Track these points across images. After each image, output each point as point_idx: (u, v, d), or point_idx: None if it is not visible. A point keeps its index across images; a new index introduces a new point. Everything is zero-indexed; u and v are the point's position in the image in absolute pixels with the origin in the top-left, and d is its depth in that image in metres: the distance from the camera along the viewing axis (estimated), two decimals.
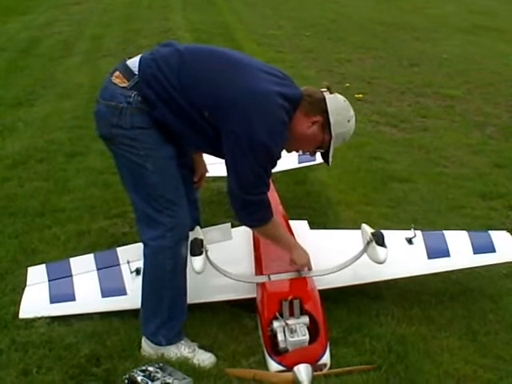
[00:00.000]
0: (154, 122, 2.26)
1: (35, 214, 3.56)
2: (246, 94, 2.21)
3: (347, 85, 6.91)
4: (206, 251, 2.41)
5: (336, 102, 2.36)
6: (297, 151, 2.51)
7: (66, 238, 3.27)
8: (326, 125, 2.33)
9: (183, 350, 2.40)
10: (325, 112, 2.32)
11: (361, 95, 6.49)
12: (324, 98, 2.34)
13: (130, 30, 9.92)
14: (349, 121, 2.38)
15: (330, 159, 2.42)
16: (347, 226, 3.31)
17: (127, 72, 2.27)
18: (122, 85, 2.25)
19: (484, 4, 14.38)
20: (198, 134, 2.29)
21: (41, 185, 3.99)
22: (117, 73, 2.29)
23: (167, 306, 2.37)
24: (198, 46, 2.48)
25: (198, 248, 2.38)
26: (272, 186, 3.28)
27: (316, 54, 8.65)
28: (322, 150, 2.42)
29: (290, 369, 2.19)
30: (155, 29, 9.97)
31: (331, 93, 2.37)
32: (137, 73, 2.24)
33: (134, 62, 2.29)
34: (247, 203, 2.31)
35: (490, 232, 2.94)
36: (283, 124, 2.25)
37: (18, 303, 2.67)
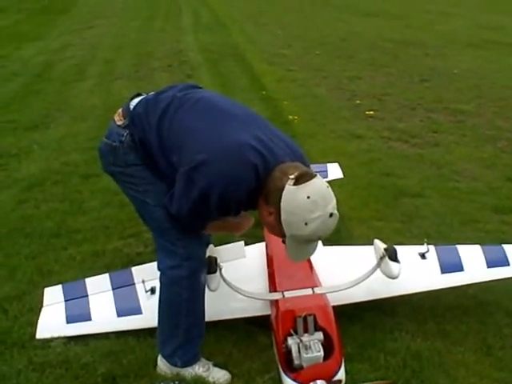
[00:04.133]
0: (142, 160, 2.23)
1: (51, 235, 3.61)
2: (212, 142, 2.03)
3: (358, 102, 6.96)
4: (220, 269, 2.44)
5: (292, 200, 1.91)
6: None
7: (81, 259, 3.31)
8: (280, 220, 1.98)
9: (198, 369, 2.40)
10: (278, 205, 1.94)
11: (372, 112, 6.54)
12: (282, 190, 1.93)
13: (142, 52, 10.08)
14: (307, 224, 1.91)
15: (290, 256, 2.09)
16: (360, 242, 3.31)
17: (126, 110, 2.28)
18: (118, 123, 2.26)
19: (492, 19, 14.45)
20: (167, 179, 2.19)
21: (56, 206, 4.05)
22: (119, 110, 2.31)
23: (183, 332, 2.36)
24: (198, 95, 2.25)
25: (212, 266, 2.40)
26: None
27: (326, 72, 8.72)
28: None
29: None
30: (167, 51, 10.12)
31: (297, 183, 1.91)
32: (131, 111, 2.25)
33: (135, 101, 2.29)
34: (181, 223, 2.20)
35: (503, 246, 2.93)
36: (244, 180, 1.98)
37: (34, 323, 2.70)
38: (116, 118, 2.29)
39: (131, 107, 2.27)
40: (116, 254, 3.35)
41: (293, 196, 1.92)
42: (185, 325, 2.36)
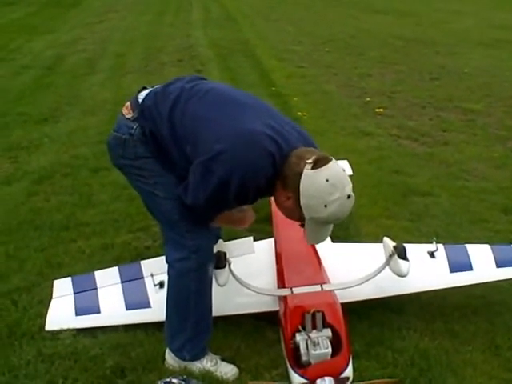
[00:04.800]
0: (153, 153, 2.25)
1: (60, 228, 3.63)
2: (228, 132, 2.05)
3: (368, 99, 6.94)
4: (229, 264, 2.44)
5: (312, 183, 1.96)
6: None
7: (90, 252, 3.33)
8: (299, 204, 2.02)
9: (205, 363, 2.42)
10: (297, 190, 1.99)
11: (381, 109, 6.52)
12: (301, 174, 1.98)
13: (153, 47, 10.09)
14: (326, 206, 1.96)
15: (309, 239, 2.16)
16: (368, 240, 3.31)
17: (135, 103, 2.29)
18: (127, 116, 2.28)
19: (504, 18, 14.35)
20: (179, 171, 2.21)
21: (66, 199, 4.07)
22: (127, 103, 2.32)
23: (192, 325, 2.38)
24: (207, 86, 2.28)
25: (221, 261, 2.41)
26: None
27: (336, 69, 8.70)
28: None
29: (312, 382, 2.19)
30: (177, 46, 10.13)
31: (315, 167, 1.96)
32: (139, 103, 2.26)
33: (143, 93, 2.31)
34: (193, 214, 2.22)
35: None
36: (263, 168, 2.02)
37: (44, 315, 2.72)
38: (124, 111, 2.30)
39: (140, 100, 2.28)
40: (125, 248, 3.36)
41: (312, 180, 1.96)
42: (193, 318, 2.37)
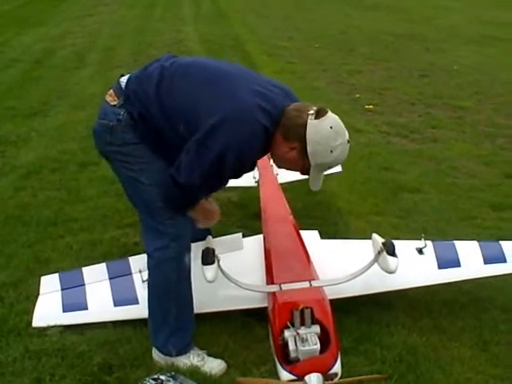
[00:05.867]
0: (142, 138, 2.26)
1: (48, 224, 3.61)
2: (219, 105, 2.11)
3: (357, 96, 6.95)
4: (218, 260, 2.43)
5: (317, 131, 2.09)
6: (285, 169, 2.39)
7: (78, 248, 3.31)
8: (305, 152, 2.13)
9: (192, 358, 2.41)
10: (303, 139, 2.10)
11: (371, 106, 6.53)
12: (305, 125, 2.10)
13: (142, 41, 10.03)
14: (332, 151, 2.10)
15: (313, 185, 2.24)
16: (357, 236, 3.32)
17: (119, 89, 2.29)
18: (112, 103, 2.28)
19: (494, 15, 14.40)
20: (172, 152, 2.21)
21: (54, 194, 4.04)
22: (110, 91, 2.32)
23: (175, 316, 2.38)
24: (187, 60, 2.39)
25: (210, 257, 2.40)
26: (283, 195, 3.33)
27: (326, 65, 8.70)
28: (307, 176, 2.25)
29: (301, 378, 2.19)
30: (167, 40, 10.08)
31: (318, 117, 2.10)
32: (123, 89, 2.27)
33: (124, 79, 2.32)
34: (184, 195, 2.23)
35: (500, 242, 2.93)
36: (257, 140, 2.12)
37: (31, 312, 2.70)
38: (109, 98, 2.30)
39: (122, 86, 2.29)
40: (113, 244, 3.35)
41: (317, 128, 2.10)
42: (175, 309, 2.38)
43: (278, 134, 2.16)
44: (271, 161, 3.82)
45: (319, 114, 2.11)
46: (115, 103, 2.27)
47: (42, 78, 7.79)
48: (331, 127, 2.10)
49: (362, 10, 15.11)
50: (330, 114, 2.14)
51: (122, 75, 2.37)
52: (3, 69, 8.25)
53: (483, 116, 6.40)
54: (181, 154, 2.15)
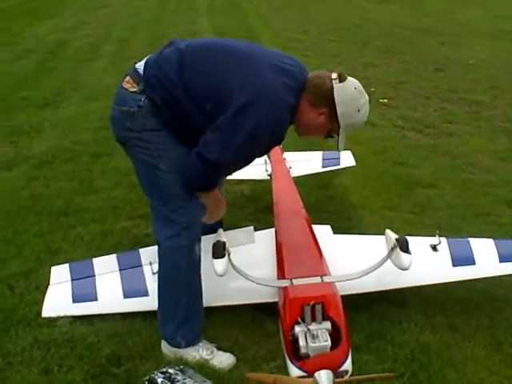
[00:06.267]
0: (166, 124, 2.27)
1: (60, 214, 3.60)
2: (248, 84, 2.16)
3: (372, 89, 6.85)
4: (229, 254, 2.40)
5: (344, 93, 2.23)
6: (308, 137, 2.51)
7: (89, 238, 3.30)
8: (333, 115, 2.25)
9: (202, 352, 2.40)
10: (332, 103, 2.23)
11: (386, 100, 6.46)
12: (331, 89, 2.23)
13: (157, 33, 10.01)
14: (359, 110, 2.26)
15: (341, 147, 2.36)
16: (370, 231, 3.28)
17: (137, 76, 2.28)
18: (132, 89, 2.27)
19: (509, 9, 14.19)
20: (197, 133, 2.23)
21: (66, 185, 4.04)
22: (127, 78, 2.31)
23: (185, 305, 2.38)
24: (201, 41, 2.44)
25: (220, 250, 2.36)
26: (295, 189, 3.29)
27: (341, 58, 8.62)
28: (333, 136, 2.38)
29: (311, 375, 2.14)
30: (181, 32, 10.04)
31: (341, 81, 2.24)
32: (142, 76, 2.26)
33: (140, 65, 2.31)
34: (209, 173, 2.25)
35: None
36: (284, 116, 2.22)
37: (41, 302, 2.70)
38: (127, 85, 2.29)
39: (140, 71, 2.28)
40: (124, 235, 3.34)
41: (343, 90, 2.22)
42: (185, 298, 2.38)
43: (304, 102, 2.26)
44: (284, 154, 3.81)
45: (341, 78, 2.24)
46: (135, 89, 2.26)
47: (55, 68, 7.80)
48: (355, 88, 2.25)
49: (376, 2, 14.96)
50: (349, 77, 2.27)
51: (137, 62, 2.35)
52: (17, 60, 8.26)
53: (499, 111, 6.30)
54: (207, 133, 2.18)
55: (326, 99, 2.23)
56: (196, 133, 2.23)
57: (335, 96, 2.22)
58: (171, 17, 11.83)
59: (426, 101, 6.60)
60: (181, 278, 2.38)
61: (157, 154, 2.28)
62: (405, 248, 2.44)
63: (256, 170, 3.69)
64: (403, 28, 11.19)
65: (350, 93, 2.24)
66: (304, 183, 3.92)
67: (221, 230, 2.55)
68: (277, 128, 2.22)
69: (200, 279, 2.44)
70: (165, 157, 2.29)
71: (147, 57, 2.36)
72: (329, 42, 9.77)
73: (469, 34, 10.89)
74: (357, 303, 2.64)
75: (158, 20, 11.41)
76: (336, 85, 2.23)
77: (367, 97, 2.30)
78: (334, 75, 2.24)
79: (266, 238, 2.88)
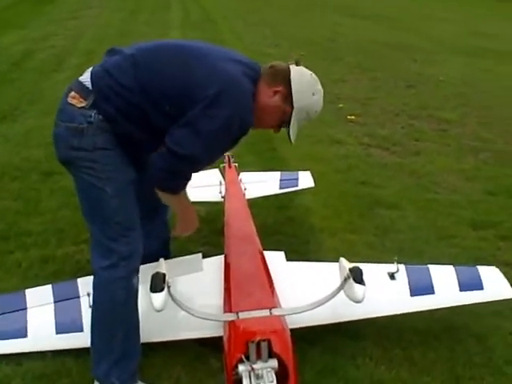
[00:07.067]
0: (118, 141, 2.14)
1: None
2: (211, 78, 2.11)
3: (340, 105, 6.78)
4: (169, 287, 2.22)
5: (301, 75, 2.26)
6: (262, 127, 2.38)
7: (28, 265, 3.08)
8: (288, 96, 2.23)
9: None
10: (288, 82, 2.23)
11: (353, 117, 6.35)
12: (288, 69, 2.25)
13: (125, 45, 9.77)
14: (314, 94, 2.26)
15: (292, 135, 2.29)
16: (329, 256, 3.14)
17: (82, 90, 2.13)
18: (79, 105, 2.11)
19: (484, 26, 14.35)
20: (158, 138, 2.15)
21: (10, 205, 3.81)
22: (72, 93, 2.14)
23: (120, 341, 2.19)
24: (151, 43, 2.32)
25: (159, 283, 2.17)
26: (248, 212, 3.13)
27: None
28: (286, 127, 2.30)
29: None
30: None
31: (297, 65, 2.29)
32: (91, 88, 2.11)
33: (86, 78, 2.16)
34: (183, 170, 2.19)
35: (478, 267, 2.75)
36: (251, 98, 2.19)
37: None
38: (73, 101, 2.12)
39: (87, 85, 2.12)
40: (66, 261, 3.13)
41: (300, 72, 2.27)
42: (120, 334, 2.20)
43: (261, 85, 2.24)
44: (240, 174, 3.65)
45: (297, 64, 2.29)
46: (83, 105, 2.10)
47: (17, 80, 7.56)
48: (311, 74, 2.30)
49: (350, 18, 15.02)
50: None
51: (82, 74, 2.21)
52: None
53: (468, 129, 6.26)
54: (173, 131, 2.11)
55: (283, 78, 2.24)
56: (158, 134, 2.14)
57: (291, 74, 2.23)
58: (142, 29, 11.65)
59: (394, 117, 6.52)
60: (117, 311, 2.20)
61: (105, 176, 2.13)
62: (358, 279, 2.28)
63: (210, 191, 3.53)
64: (375, 44, 11.19)
65: (306, 75, 2.28)
66: (262, 204, 3.78)
67: (162, 260, 2.37)
68: (246, 116, 2.16)
69: (137, 312, 2.26)
70: (113, 180, 2.14)
71: (89, 69, 2.21)
72: (299, 57, 9.67)
73: (442, 51, 10.93)
74: (308, 336, 2.49)
75: (127, 32, 11.22)
76: (293, 66, 2.28)
77: (322, 90, 2.31)
78: (292, 62, 2.31)
79: (214, 266, 2.70)
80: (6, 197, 3.94)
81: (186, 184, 2.27)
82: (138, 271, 2.25)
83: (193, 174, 2.26)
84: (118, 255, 2.16)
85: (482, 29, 13.83)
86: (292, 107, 2.24)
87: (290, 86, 2.22)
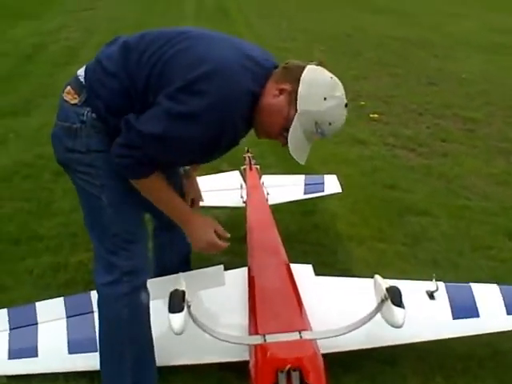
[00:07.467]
0: (110, 142, 1.90)
1: (10, 242, 3.21)
2: (192, 62, 1.81)
3: (362, 103, 6.54)
4: (189, 306, 2.01)
5: (316, 74, 1.87)
6: (265, 134, 1.98)
7: (39, 273, 2.90)
8: (294, 97, 1.85)
9: None
10: (297, 81, 1.85)
11: (376, 115, 6.12)
12: (303, 68, 1.88)
13: None
14: (325, 98, 1.83)
15: (290, 146, 1.88)
16: (359, 267, 2.95)
17: (77, 85, 1.92)
18: (72, 101, 1.91)
19: (504, 21, 13.99)
20: None
21: (22, 206, 3.63)
22: (68, 88, 1.95)
23: (131, 366, 2.01)
24: (154, 30, 2.03)
25: (178, 303, 1.94)
26: (272, 220, 2.91)
27: (330, 69, 8.23)
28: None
29: None
30: None
31: (319, 65, 1.93)
32: (84, 83, 1.91)
33: (82, 71, 1.95)
34: (137, 147, 1.85)
35: None
36: (245, 97, 1.84)
37: None
38: (67, 97, 1.93)
39: (81, 79, 1.92)
40: (79, 269, 2.94)
41: (317, 72, 1.89)
42: (130, 356, 2.01)
43: (270, 82, 1.89)
44: (262, 177, 3.45)
45: (321, 65, 1.93)
46: (75, 101, 1.91)
47: (30, 73, 7.40)
48: (331, 78, 1.89)
49: (369, 13, 14.69)
50: None
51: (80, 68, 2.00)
52: None
53: (495, 129, 5.99)
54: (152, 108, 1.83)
55: (293, 77, 1.86)
56: None
57: (304, 73, 1.85)
58: (157, 21, 11.43)
59: (418, 116, 6.27)
60: (123, 331, 2.00)
61: (100, 183, 1.93)
62: (397, 301, 2.05)
63: (231, 195, 3.33)
64: (395, 39, 10.90)
65: (323, 77, 1.87)
66: (286, 209, 3.57)
67: (181, 275, 2.16)
68: (228, 116, 1.80)
69: (149, 332, 2.07)
70: (108, 187, 1.94)
71: (88, 63, 2.00)
72: (318, 52, 9.44)
73: (462, 47, 10.63)
74: (343, 361, 2.28)
75: (142, 24, 10.96)
76: (312, 65, 1.90)
77: (345, 99, 1.89)
78: (315, 62, 1.94)
79: (237, 279, 2.50)
80: (18, 197, 3.76)
81: (148, 170, 1.89)
82: (145, 287, 2.06)
83: (163, 166, 1.93)
84: (120, 270, 1.97)
85: (496, 24, 13.48)
86: (296, 110, 1.86)
87: (299, 84, 1.85)
